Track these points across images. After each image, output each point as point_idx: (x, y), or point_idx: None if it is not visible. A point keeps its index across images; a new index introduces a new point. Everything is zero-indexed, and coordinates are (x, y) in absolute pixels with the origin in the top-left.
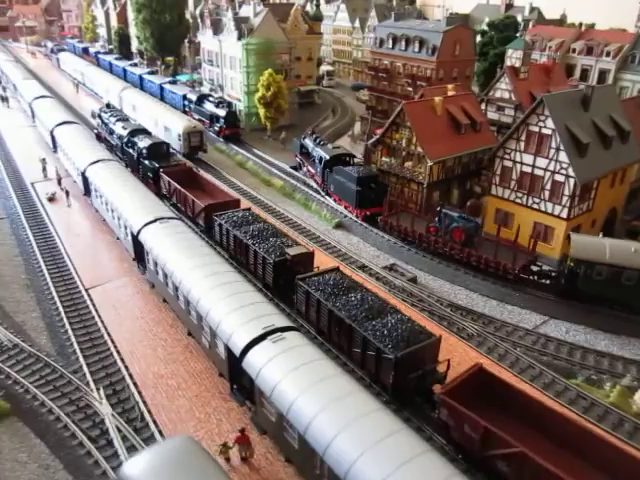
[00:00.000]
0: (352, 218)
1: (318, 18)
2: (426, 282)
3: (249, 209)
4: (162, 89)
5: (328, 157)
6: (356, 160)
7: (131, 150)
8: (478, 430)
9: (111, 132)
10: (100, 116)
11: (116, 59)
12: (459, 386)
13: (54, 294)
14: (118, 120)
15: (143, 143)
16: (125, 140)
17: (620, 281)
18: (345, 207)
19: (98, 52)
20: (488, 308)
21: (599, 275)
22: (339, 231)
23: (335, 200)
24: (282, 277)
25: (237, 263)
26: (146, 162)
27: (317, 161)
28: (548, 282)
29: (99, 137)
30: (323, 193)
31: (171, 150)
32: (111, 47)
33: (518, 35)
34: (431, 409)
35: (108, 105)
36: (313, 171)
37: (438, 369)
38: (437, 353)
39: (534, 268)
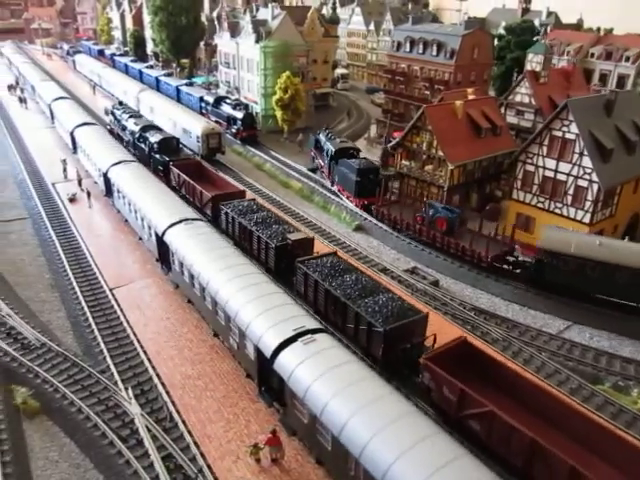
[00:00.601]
0: (372, 221)
1: (334, 21)
2: (447, 285)
3: (254, 199)
4: (179, 91)
5: (334, 150)
6: (362, 155)
7: (143, 145)
8: (455, 392)
9: (123, 128)
10: (113, 113)
11: (132, 61)
12: (442, 354)
13: (79, 294)
14: (130, 117)
15: (154, 138)
16: (137, 135)
17: (584, 272)
18: (347, 197)
19: (114, 54)
20: (511, 312)
21: (565, 266)
22: (359, 234)
23: (339, 190)
24: (283, 261)
25: (242, 249)
26: (157, 156)
27: (325, 154)
28: (519, 271)
29: (111, 133)
30: (329, 184)
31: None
32: (126, 49)
33: (535, 39)
34: (416, 377)
35: (120, 103)
36: (323, 164)
37: (425, 344)
38: (424, 329)
39: (510, 258)
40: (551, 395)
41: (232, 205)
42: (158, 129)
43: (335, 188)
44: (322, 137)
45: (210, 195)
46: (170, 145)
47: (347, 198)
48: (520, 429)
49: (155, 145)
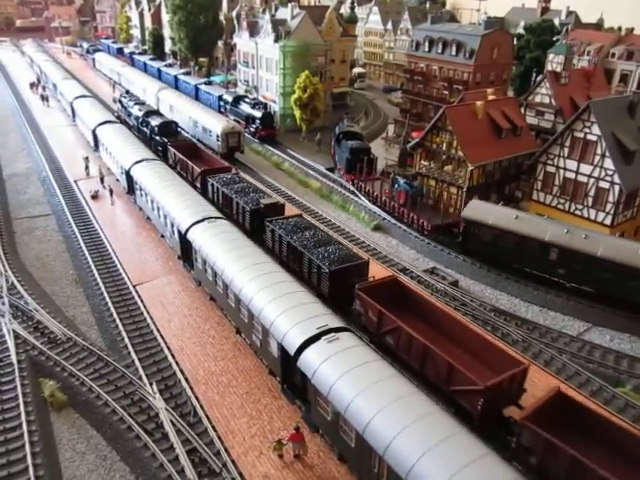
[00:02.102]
0: (391, 221)
1: (353, 20)
2: (467, 286)
3: (237, 173)
4: (197, 90)
5: (338, 132)
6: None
7: (145, 128)
8: (375, 313)
9: (129, 114)
10: (120, 101)
11: (151, 60)
12: (374, 287)
13: (103, 290)
14: (135, 104)
15: (155, 122)
16: (140, 120)
17: (501, 242)
18: (339, 170)
19: (133, 53)
20: (531, 314)
21: (485, 235)
22: (378, 233)
23: (338, 169)
24: (256, 222)
25: (223, 214)
26: (157, 138)
27: (334, 136)
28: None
29: (119, 119)
30: (333, 163)
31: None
32: (145, 48)
33: (555, 39)
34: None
35: (127, 92)
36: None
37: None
38: (366, 272)
39: (454, 230)
40: (443, 311)
41: (217, 177)
42: (159, 114)
43: (337, 172)
44: (340, 123)
45: (200, 170)
46: (169, 128)
47: (339, 171)
48: (417, 337)
49: (156, 128)
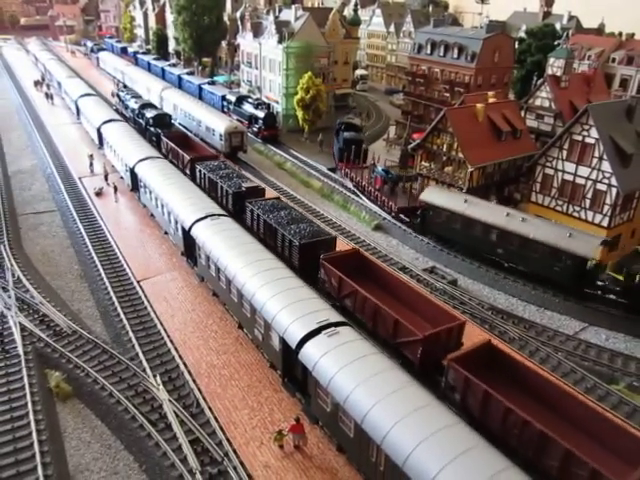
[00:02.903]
0: (391, 221)
1: (356, 23)
2: (466, 285)
3: (224, 161)
4: (201, 89)
5: (337, 124)
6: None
7: (141, 120)
8: (336, 280)
9: (126, 107)
10: (118, 95)
11: (154, 59)
12: (337, 257)
13: (107, 285)
14: (132, 97)
15: (150, 114)
16: (136, 112)
17: (451, 224)
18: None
19: (137, 52)
20: (528, 313)
21: (438, 217)
22: (378, 233)
23: (333, 155)
24: (238, 204)
25: (209, 196)
26: (151, 129)
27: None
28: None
29: (117, 111)
30: (332, 157)
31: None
32: (148, 47)
33: (557, 43)
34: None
35: (125, 86)
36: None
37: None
38: (333, 247)
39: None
40: (395, 277)
41: (205, 164)
42: (154, 107)
43: (338, 171)
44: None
45: (189, 157)
46: (163, 120)
47: (333, 155)
48: (369, 298)
49: (150, 120)
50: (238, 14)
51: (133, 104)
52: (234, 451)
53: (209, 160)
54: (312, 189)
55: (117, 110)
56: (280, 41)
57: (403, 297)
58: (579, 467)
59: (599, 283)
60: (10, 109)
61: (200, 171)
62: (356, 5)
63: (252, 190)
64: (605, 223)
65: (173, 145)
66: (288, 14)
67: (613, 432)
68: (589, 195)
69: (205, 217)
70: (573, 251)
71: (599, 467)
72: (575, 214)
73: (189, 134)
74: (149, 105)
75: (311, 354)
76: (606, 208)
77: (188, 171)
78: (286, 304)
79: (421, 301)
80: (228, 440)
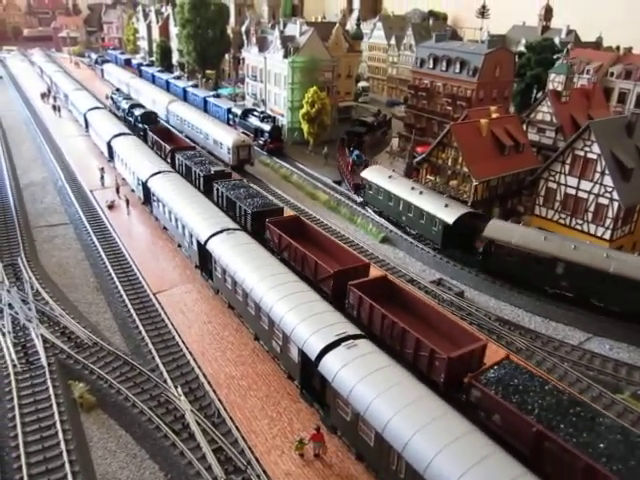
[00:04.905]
0: (397, 233)
1: (359, 37)
2: (472, 297)
3: (199, 150)
4: (206, 102)
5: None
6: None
7: (130, 118)
8: (277, 237)
9: (118, 107)
10: (112, 97)
11: (159, 71)
12: (279, 221)
13: (125, 297)
14: (123, 99)
15: (138, 112)
16: (127, 111)
17: (379, 197)
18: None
19: (141, 64)
20: (534, 324)
21: (377, 193)
22: (385, 245)
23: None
24: (208, 184)
25: (185, 179)
26: (139, 125)
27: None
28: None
29: (110, 112)
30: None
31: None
32: (152, 59)
33: (556, 57)
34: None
35: (117, 89)
36: None
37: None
38: (281, 213)
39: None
40: (322, 233)
41: (183, 153)
42: (142, 106)
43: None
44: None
45: (170, 147)
46: (150, 117)
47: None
48: (299, 248)
49: (138, 117)
50: (243, 28)
51: (124, 105)
52: (256, 459)
53: (186, 150)
54: (318, 201)
55: (110, 110)
56: (285, 56)
57: (324, 247)
58: (424, 349)
59: None
60: (19, 121)
61: (178, 159)
62: (358, 19)
63: (219, 173)
64: (607, 236)
65: (157, 138)
66: (293, 29)
67: (449, 325)
68: (591, 208)
69: (221, 231)
70: None
71: (435, 347)
72: (578, 227)
73: (172, 129)
74: (137, 105)
75: (331, 366)
76: (608, 221)
77: (169, 160)
78: (304, 317)
79: (330, 243)
80: (250, 449)
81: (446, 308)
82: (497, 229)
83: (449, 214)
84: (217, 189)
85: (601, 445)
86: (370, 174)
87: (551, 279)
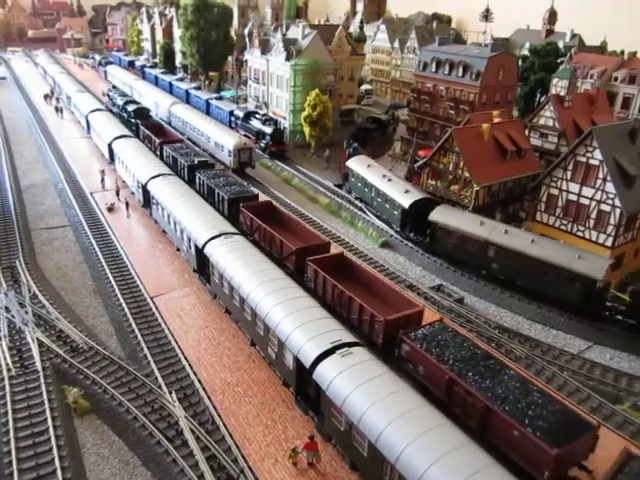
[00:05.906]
0: (397, 238)
1: (362, 39)
2: (472, 303)
3: (185, 144)
4: (208, 104)
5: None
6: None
7: (124, 113)
8: (249, 221)
9: (114, 104)
10: (108, 94)
11: (162, 73)
12: (253, 206)
13: (122, 301)
14: (119, 95)
15: (131, 107)
16: (121, 107)
17: (358, 183)
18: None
19: (144, 66)
20: (534, 331)
21: (357, 180)
22: (385, 250)
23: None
24: (191, 174)
25: (171, 170)
26: (132, 120)
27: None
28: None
29: (110, 112)
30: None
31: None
32: (155, 61)
33: (559, 61)
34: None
35: (114, 87)
36: None
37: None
38: (256, 200)
39: None
40: (289, 215)
41: (170, 146)
42: (135, 102)
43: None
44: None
45: (159, 141)
46: (142, 112)
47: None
48: (267, 229)
49: (132, 112)
50: (246, 31)
51: (119, 101)
52: (249, 468)
53: (174, 143)
54: (319, 205)
55: (106, 107)
56: (288, 58)
57: (291, 228)
58: (365, 314)
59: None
60: (20, 122)
61: (166, 151)
62: (362, 22)
63: (202, 163)
64: (609, 243)
65: (148, 132)
66: (295, 32)
67: (393, 295)
68: (593, 215)
69: (218, 235)
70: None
71: (374, 311)
72: (579, 233)
73: (163, 124)
74: (131, 101)
75: (325, 374)
76: (610, 228)
77: (158, 152)
78: (300, 324)
79: (301, 229)
80: (243, 457)
81: (445, 315)
82: (441, 213)
83: (406, 198)
84: (199, 177)
85: (499, 391)
86: (353, 163)
87: (484, 261)
